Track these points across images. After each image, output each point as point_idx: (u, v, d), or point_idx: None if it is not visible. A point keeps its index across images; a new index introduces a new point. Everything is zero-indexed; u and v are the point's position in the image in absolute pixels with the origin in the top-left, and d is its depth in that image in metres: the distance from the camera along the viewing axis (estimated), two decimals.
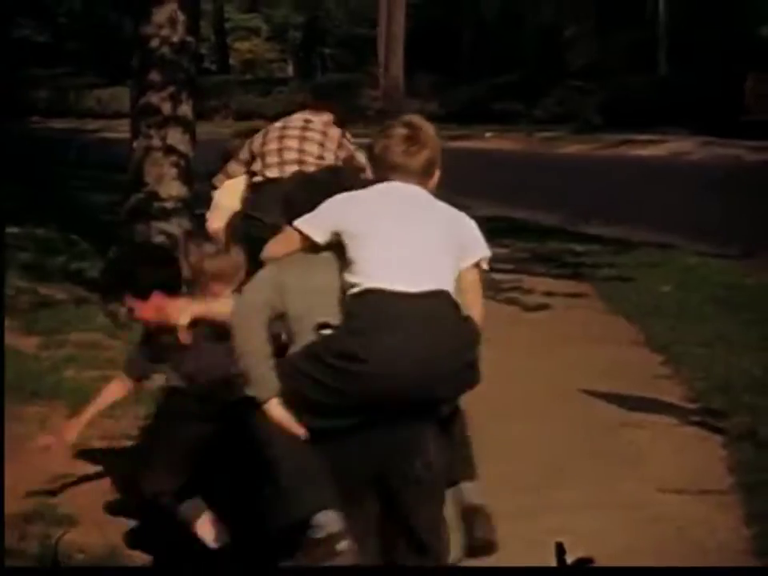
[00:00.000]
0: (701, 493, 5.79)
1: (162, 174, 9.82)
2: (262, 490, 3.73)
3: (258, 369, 3.70)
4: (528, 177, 22.64)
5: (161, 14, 9.84)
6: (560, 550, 4.31)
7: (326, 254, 3.81)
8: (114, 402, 5.65)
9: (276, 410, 3.67)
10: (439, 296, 3.66)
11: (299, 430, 3.66)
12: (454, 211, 3.92)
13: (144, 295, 4.98)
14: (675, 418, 7.05)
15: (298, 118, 6.46)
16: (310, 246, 3.81)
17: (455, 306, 3.70)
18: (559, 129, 32.96)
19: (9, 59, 44.85)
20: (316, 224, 3.80)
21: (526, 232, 15.63)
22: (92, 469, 6.02)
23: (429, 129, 3.92)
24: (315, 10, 48.67)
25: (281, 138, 6.27)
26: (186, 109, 9.92)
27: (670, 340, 8.94)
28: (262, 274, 3.89)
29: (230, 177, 6.45)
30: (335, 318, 3.67)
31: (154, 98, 9.83)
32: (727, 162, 24.72)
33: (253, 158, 6.33)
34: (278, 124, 6.43)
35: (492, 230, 15.59)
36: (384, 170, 3.87)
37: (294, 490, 3.61)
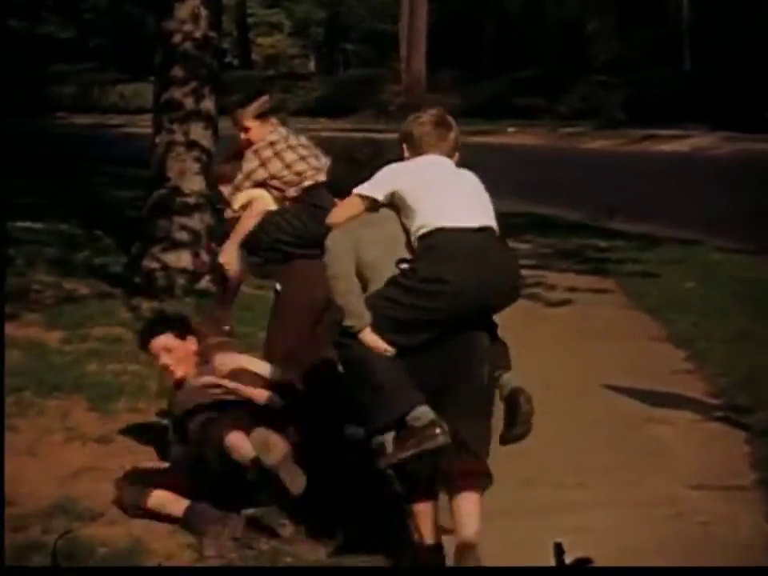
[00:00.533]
0: (724, 489, 5.77)
1: (184, 169, 9.83)
2: (365, 402, 4.61)
3: (354, 305, 4.62)
4: (551, 172, 22.59)
5: (183, 10, 9.85)
6: (558, 550, 4.33)
7: (385, 211, 4.76)
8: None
9: (369, 335, 4.61)
10: (491, 230, 4.70)
11: (388, 348, 4.59)
12: (476, 177, 4.91)
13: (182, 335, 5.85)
14: (698, 413, 7.03)
15: (288, 135, 6.56)
16: (369, 209, 4.77)
17: (502, 239, 4.76)
18: (582, 124, 32.89)
19: (34, 55, 45.12)
20: (377, 187, 4.77)
21: (550, 227, 15.61)
22: (114, 462, 6.04)
23: (450, 117, 4.99)
24: (337, 6, 48.67)
25: (302, 158, 6.39)
26: (208, 104, 9.93)
27: (693, 336, 8.91)
28: (337, 234, 4.77)
29: (239, 191, 6.52)
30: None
31: (176, 94, 9.84)
32: (751, 158, 24.60)
33: (273, 177, 6.39)
34: (280, 145, 6.45)
35: (515, 225, 15.67)
36: (422, 149, 4.88)
37: (395, 393, 4.53)
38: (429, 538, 4.71)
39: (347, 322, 4.62)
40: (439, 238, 4.56)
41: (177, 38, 9.85)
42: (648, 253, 13.13)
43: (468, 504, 4.59)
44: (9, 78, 40.88)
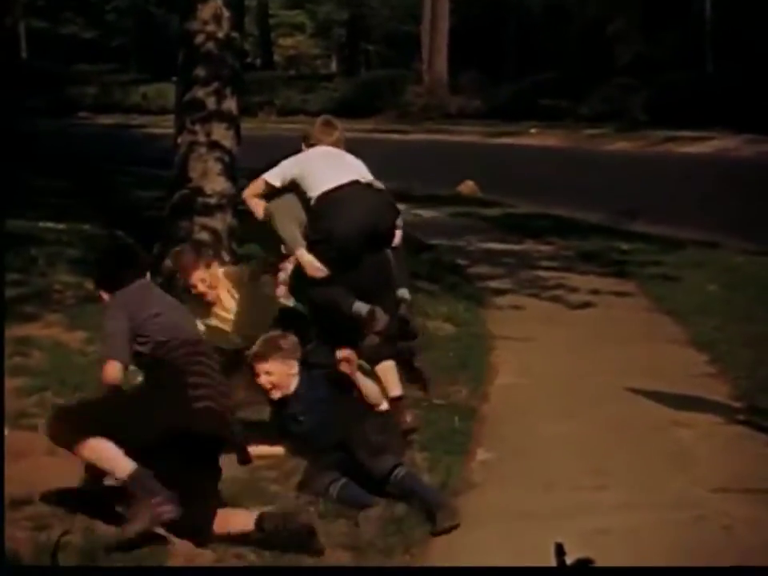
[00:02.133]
0: (746, 492, 5.75)
1: (206, 170, 9.84)
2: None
3: (288, 233, 6.64)
4: (573, 174, 22.54)
5: (206, 11, 9.86)
6: (559, 550, 4.30)
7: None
8: None
9: (305, 256, 6.58)
10: (357, 182, 6.56)
11: (322, 268, 6.51)
12: (353, 157, 6.82)
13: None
14: (720, 416, 7.00)
15: None
16: (271, 190, 6.81)
17: (370, 186, 6.58)
18: (605, 126, 32.78)
19: (57, 55, 45.28)
20: (275, 176, 6.81)
21: (571, 230, 15.56)
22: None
23: (337, 122, 7.09)
24: (359, 7, 48.65)
25: None
26: (230, 104, 9.94)
27: (716, 339, 8.88)
28: (274, 202, 6.80)
29: None
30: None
31: (199, 94, 9.85)
32: None
33: None
34: None
35: (537, 227, 15.66)
36: (314, 142, 6.89)
37: (342, 299, 6.49)
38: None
39: (287, 246, 6.67)
40: (320, 202, 6.47)
41: (199, 39, 9.86)
42: (670, 255, 13.09)
43: (389, 369, 6.52)
44: (32, 78, 41.07)
